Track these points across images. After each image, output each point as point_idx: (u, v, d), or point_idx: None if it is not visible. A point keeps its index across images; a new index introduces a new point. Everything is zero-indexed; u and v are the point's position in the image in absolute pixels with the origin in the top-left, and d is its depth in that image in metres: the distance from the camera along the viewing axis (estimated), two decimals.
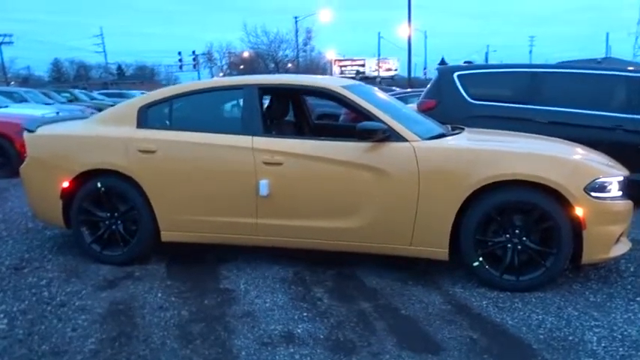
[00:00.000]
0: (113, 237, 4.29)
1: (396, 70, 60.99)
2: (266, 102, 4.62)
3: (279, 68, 52.30)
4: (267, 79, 4.39)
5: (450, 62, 25.80)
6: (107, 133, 4.25)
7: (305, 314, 3.38)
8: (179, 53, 72.80)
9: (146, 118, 4.24)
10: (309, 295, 3.70)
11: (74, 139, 4.33)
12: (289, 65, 55.21)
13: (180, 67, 75.12)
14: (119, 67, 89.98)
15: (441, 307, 3.48)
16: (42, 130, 4.49)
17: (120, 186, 4.20)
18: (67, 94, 23.03)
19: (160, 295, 3.71)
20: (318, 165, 3.86)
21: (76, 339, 3.09)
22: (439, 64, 25.91)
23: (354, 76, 45.42)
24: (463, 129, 4.33)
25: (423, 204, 3.71)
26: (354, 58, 63.61)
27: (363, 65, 62.44)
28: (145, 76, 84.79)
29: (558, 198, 3.56)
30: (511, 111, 6.36)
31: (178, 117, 4.29)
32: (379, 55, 59.14)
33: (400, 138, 3.79)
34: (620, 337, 3.06)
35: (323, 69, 61.19)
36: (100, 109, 19.92)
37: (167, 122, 4.28)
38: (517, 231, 3.66)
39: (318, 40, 71.00)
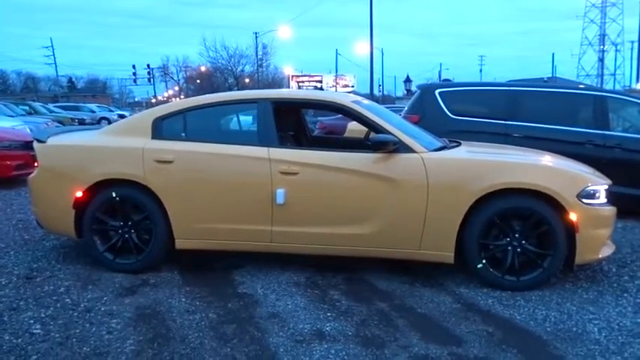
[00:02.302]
0: (126, 245, 4.38)
1: (352, 86, 62.07)
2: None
3: (239, 83, 52.33)
4: (281, 94, 4.62)
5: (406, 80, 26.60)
6: (122, 144, 4.36)
7: (329, 314, 3.59)
8: (133, 66, 71.74)
9: (161, 129, 4.38)
10: (326, 297, 3.91)
11: (88, 149, 4.42)
12: (247, 80, 55.35)
13: (135, 80, 74.06)
14: (70, 80, 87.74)
15: (452, 306, 3.76)
16: (53, 141, 4.55)
17: (135, 195, 4.30)
18: (26, 107, 22.41)
19: (183, 300, 3.83)
20: (332, 174, 4.09)
21: (114, 341, 3.19)
22: (404, 81, 26.64)
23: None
24: (460, 142, 4.66)
25: (431, 211, 3.99)
26: (312, 74, 64.33)
27: (320, 81, 63.22)
28: (97, 89, 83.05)
29: (553, 204, 3.92)
30: (489, 126, 6.79)
31: (194, 129, 4.44)
32: (337, 71, 60.08)
33: (409, 149, 4.08)
34: (617, 327, 3.40)
35: (280, 84, 61.58)
36: (61, 122, 19.56)
37: (183, 134, 4.43)
38: (516, 235, 3.99)
39: (277, 56, 71.47)
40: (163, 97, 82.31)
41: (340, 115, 12.31)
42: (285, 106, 4.74)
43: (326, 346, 3.14)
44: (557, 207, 3.92)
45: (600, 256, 4.06)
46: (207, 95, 4.55)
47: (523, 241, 3.99)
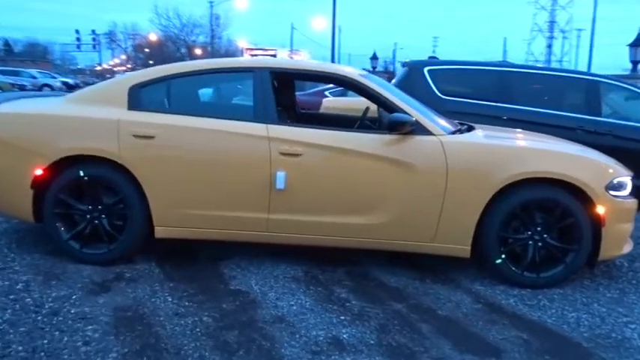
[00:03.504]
0: (95, 233, 3.77)
1: None
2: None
3: (191, 54, 50.44)
4: (280, 63, 4.05)
5: (361, 58, 26.03)
6: (92, 114, 3.71)
7: (342, 317, 3.14)
8: (77, 32, 68.31)
9: (140, 98, 3.76)
10: (333, 295, 3.46)
11: (51, 119, 3.75)
12: (198, 51, 53.39)
13: (78, 46, 70.47)
14: (6, 43, 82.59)
15: (473, 307, 3.39)
16: (5, 109, 3.84)
17: (107, 175, 3.69)
18: None
19: (169, 299, 3.29)
20: (339, 157, 3.61)
21: (93, 355, 2.63)
22: (371, 58, 26.07)
23: None
24: (472, 126, 4.25)
25: (449, 199, 3.59)
26: (266, 48, 62.82)
27: (274, 56, 61.17)
28: (37, 55, 78.48)
29: (579, 196, 3.59)
30: (480, 108, 6.44)
31: (179, 99, 3.85)
32: (292, 46, 58.95)
33: (426, 131, 3.65)
34: None
35: (232, 57, 59.92)
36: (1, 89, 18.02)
37: (165, 105, 3.82)
38: (538, 228, 3.65)
39: (232, 27, 69.50)
40: (109, 65, 78.83)
41: (315, 91, 11.85)
42: (283, 78, 4.18)
43: (348, 358, 2.70)
44: (583, 199, 3.60)
45: (623, 251, 3.79)
46: (196, 61, 3.96)
47: (545, 235, 3.66)
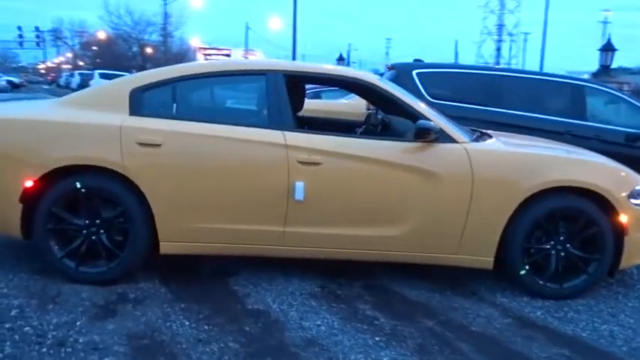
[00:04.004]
0: (93, 250, 3.44)
1: None
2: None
3: (142, 53, 48.99)
4: (296, 66, 3.79)
5: (315, 58, 25.83)
6: (90, 120, 3.38)
7: (377, 338, 2.95)
8: (19, 28, 65.23)
9: (142, 103, 3.45)
10: (358, 313, 3.27)
11: (43, 125, 3.39)
12: (149, 50, 51.92)
13: (21, 43, 67.30)
14: None
15: (503, 321, 3.27)
16: None
17: (107, 186, 3.37)
18: None
19: (185, 322, 3.01)
20: (361, 166, 3.42)
21: None
22: (337, 59, 25.88)
23: None
24: (489, 134, 4.12)
25: (474, 209, 3.46)
26: (220, 48, 62.02)
27: (228, 55, 60.88)
28: None
29: (602, 204, 3.54)
30: (471, 112, 6.39)
31: (186, 104, 3.57)
32: (247, 46, 58.35)
33: (450, 139, 3.51)
34: None
35: (185, 56, 58.76)
36: None
37: (172, 110, 3.52)
38: (561, 238, 3.58)
39: (186, 26, 68.12)
40: (53, 64, 75.75)
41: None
42: (296, 81, 3.95)
43: None
44: (606, 207, 3.54)
45: None
46: (203, 63, 3.68)
47: (567, 245, 3.58)
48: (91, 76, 29.83)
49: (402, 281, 3.79)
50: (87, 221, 3.42)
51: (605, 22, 50.85)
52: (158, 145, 3.33)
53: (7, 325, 2.87)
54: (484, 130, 4.19)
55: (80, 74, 35.02)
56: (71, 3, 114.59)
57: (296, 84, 3.95)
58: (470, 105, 6.44)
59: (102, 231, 3.43)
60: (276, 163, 3.37)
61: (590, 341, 3.06)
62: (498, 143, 3.76)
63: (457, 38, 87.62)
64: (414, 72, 6.62)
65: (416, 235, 3.48)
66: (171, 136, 3.35)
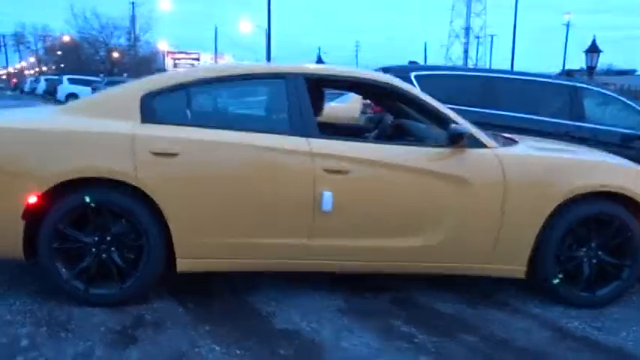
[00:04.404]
0: (103, 269, 3.17)
1: None
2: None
3: (109, 57, 47.88)
4: (316, 69, 3.58)
5: (286, 60, 25.52)
6: (99, 129, 3.12)
7: (422, 358, 2.77)
8: None
9: (155, 109, 3.20)
10: (394, 329, 3.08)
11: (47, 135, 3.11)
12: (115, 55, 50.79)
13: None
14: None
15: (544, 334, 3.13)
16: None
17: (119, 200, 3.11)
18: None
19: (215, 347, 2.78)
20: (391, 173, 3.24)
21: None
22: (317, 61, 25.72)
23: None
24: (513, 138, 3.98)
25: (507, 217, 3.32)
26: (189, 52, 61.20)
27: (197, 59, 60.37)
28: None
29: (632, 209, 3.45)
30: (469, 115, 6.29)
31: (202, 110, 3.34)
32: (216, 49, 57.70)
33: (480, 144, 3.36)
34: None
35: (153, 61, 57.79)
36: None
37: (187, 116, 3.28)
38: (593, 244, 3.47)
39: (154, 30, 66.93)
40: (15, 69, 73.60)
41: None
42: (317, 85, 3.74)
43: None
44: (637, 212, 3.45)
45: None
46: (219, 65, 3.47)
47: (599, 251, 3.48)
48: (58, 82, 28.92)
49: (428, 292, 3.63)
50: (96, 238, 3.15)
51: (567, 25, 51.99)
52: (174, 155, 3.09)
53: (19, 359, 2.58)
54: (507, 135, 4.06)
55: (46, 79, 33.99)
56: (34, 8, 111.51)
57: (316, 88, 3.74)
58: (469, 107, 6.35)
59: (113, 248, 3.17)
60: (302, 172, 3.17)
61: (638, 352, 2.95)
62: (527, 148, 3.64)
63: (426, 40, 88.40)
64: (413, 74, 6.49)
65: (447, 245, 3.33)
66: (189, 145, 3.11)
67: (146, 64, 52.65)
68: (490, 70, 7.27)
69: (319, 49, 71.79)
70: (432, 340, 2.98)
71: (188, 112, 3.29)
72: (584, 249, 3.47)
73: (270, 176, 3.17)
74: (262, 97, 3.71)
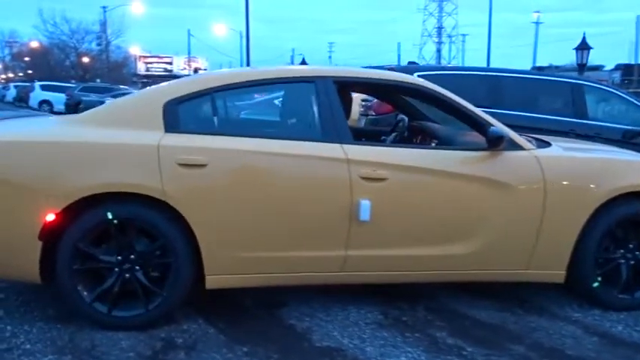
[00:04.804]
0: (128, 290, 2.96)
1: (205, 69, 59.59)
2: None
3: (80, 62, 46.87)
4: (345, 72, 3.41)
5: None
6: (121, 140, 2.91)
7: None
8: None
9: (179, 117, 3.01)
10: (439, 342, 2.95)
11: (65, 148, 2.88)
12: (85, 60, 49.75)
13: None
14: None
15: (591, 340, 3.03)
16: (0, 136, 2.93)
17: (144, 215, 2.90)
18: None
19: None
20: (430, 179, 3.11)
21: None
22: (300, 63, 25.45)
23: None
24: (544, 139, 3.88)
25: (547, 221, 3.21)
26: (161, 56, 60.46)
27: (170, 63, 59.71)
28: None
29: None
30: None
31: (228, 117, 3.15)
32: (189, 53, 57.07)
33: (517, 146, 3.25)
34: None
35: (124, 65, 56.90)
36: None
37: (214, 124, 3.09)
38: (631, 245, 3.40)
39: (126, 34, 65.87)
40: None
41: None
42: (347, 88, 3.58)
43: None
44: None
45: None
46: (244, 70, 3.26)
47: (637, 252, 3.40)
48: (30, 88, 28.12)
49: (463, 301, 3.51)
50: (119, 257, 2.94)
51: (537, 23, 52.84)
52: (203, 166, 2.90)
53: None
54: (536, 136, 3.96)
55: (16, 86, 33.04)
56: (0, 13, 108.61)
57: (345, 91, 3.59)
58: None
59: (137, 267, 2.96)
60: (338, 181, 3.01)
61: None
62: (563, 149, 3.54)
63: (399, 41, 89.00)
64: (416, 75, 6.38)
65: (488, 251, 3.21)
66: (218, 155, 2.92)
67: (118, 69, 51.76)
68: (494, 70, 7.21)
69: (293, 50, 71.63)
70: (481, 352, 2.85)
71: (214, 119, 3.09)
72: (622, 250, 3.39)
73: (304, 186, 3.01)
74: (291, 102, 3.53)
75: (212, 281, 3.03)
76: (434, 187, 3.11)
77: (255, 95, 5.24)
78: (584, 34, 13.40)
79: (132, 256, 2.95)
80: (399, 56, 66.05)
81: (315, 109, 3.14)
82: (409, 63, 7.76)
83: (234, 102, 3.23)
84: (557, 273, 3.32)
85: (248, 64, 24.40)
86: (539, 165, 3.20)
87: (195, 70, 49.60)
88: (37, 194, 2.82)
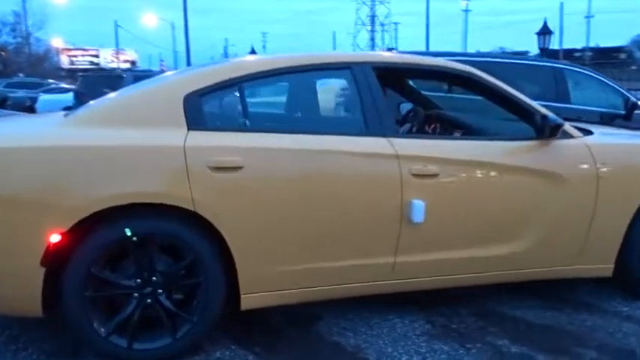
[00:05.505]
0: (150, 316, 2.51)
1: (134, 61, 57.22)
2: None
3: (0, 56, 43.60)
4: (386, 57, 3.01)
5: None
6: (138, 141, 2.43)
7: None
8: None
9: (203, 112, 2.56)
10: (505, 352, 2.69)
11: (70, 154, 2.38)
12: (2, 53, 46.36)
13: None
14: None
15: None
16: None
17: (170, 230, 2.46)
18: None
19: None
20: (483, 173, 2.83)
21: None
22: (250, 53, 24.59)
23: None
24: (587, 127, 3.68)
25: (598, 212, 3.02)
26: (86, 48, 57.48)
27: (96, 56, 56.88)
28: None
29: None
30: (463, 102, 6.04)
31: (260, 110, 2.72)
32: (117, 44, 54.53)
33: (566, 134, 3.03)
34: None
35: (46, 59, 53.64)
36: None
37: (244, 119, 2.66)
38: None
39: (49, 26, 61.99)
40: None
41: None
42: (387, 75, 3.21)
43: None
44: None
45: None
46: (272, 57, 2.83)
47: None
48: None
49: (502, 300, 3.28)
50: (139, 280, 2.48)
51: (466, 11, 54.23)
52: (238, 169, 2.48)
53: None
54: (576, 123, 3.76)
55: None
56: None
57: (385, 79, 3.22)
58: (458, 95, 6.09)
59: (160, 290, 2.51)
60: (388, 179, 2.67)
61: None
62: (609, 136, 3.36)
63: (333, 30, 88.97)
64: None
65: (537, 248, 2.98)
66: (254, 155, 2.51)
67: (40, 63, 48.65)
68: (472, 55, 7.07)
69: (226, 40, 70.07)
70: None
71: (243, 113, 2.67)
72: None
73: (352, 187, 2.65)
74: (328, 93, 3.13)
75: (248, 301, 2.62)
76: (487, 181, 2.84)
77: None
78: (544, 19, 13.74)
79: (153, 278, 2.49)
80: (334, 45, 66.14)
81: (356, 99, 2.77)
82: (387, 49, 7.49)
83: (264, 93, 2.80)
84: (606, 267, 3.15)
85: (188, 56, 23.38)
86: (590, 153, 3.00)
87: (133, 63, 47.50)
88: (37, 212, 2.31)
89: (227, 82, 2.62)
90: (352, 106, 2.78)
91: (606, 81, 6.80)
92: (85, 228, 2.35)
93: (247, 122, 2.66)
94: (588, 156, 2.99)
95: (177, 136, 2.47)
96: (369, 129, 2.73)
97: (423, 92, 4.15)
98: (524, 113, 3.03)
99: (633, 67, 45.09)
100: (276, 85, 2.90)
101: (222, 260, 2.53)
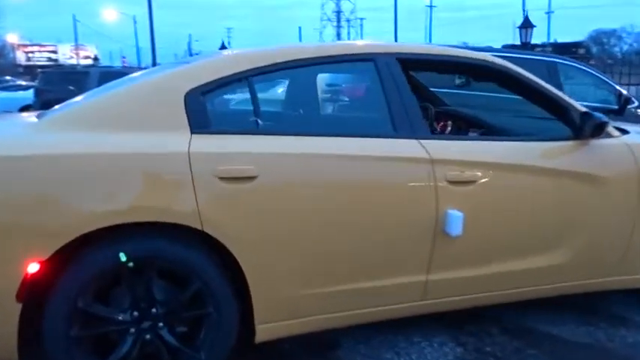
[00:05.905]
0: (148, 355, 2.12)
1: (95, 58, 55.58)
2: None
3: None
4: (411, 48, 2.64)
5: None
6: (130, 148, 2.03)
7: None
8: None
9: (206, 112, 2.17)
10: None
11: (48, 164, 1.95)
12: None
13: None
14: None
15: None
16: None
17: (173, 253, 2.06)
18: None
19: None
20: (524, 178, 2.52)
21: None
22: (220, 48, 23.86)
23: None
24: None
25: None
26: (43, 44, 55.52)
27: (55, 52, 55.01)
28: None
29: None
30: (447, 97, 5.77)
31: (271, 109, 2.33)
32: (76, 40, 52.80)
33: (605, 133, 2.75)
34: None
35: (0, 56, 51.63)
36: None
37: (254, 120, 2.27)
38: None
39: (4, 21, 59.52)
40: None
41: None
42: (411, 68, 2.85)
43: None
44: None
45: None
46: (282, 47, 2.44)
47: None
48: None
49: (529, 315, 2.99)
50: (136, 313, 2.08)
51: (430, 7, 54.48)
52: (252, 179, 2.10)
53: None
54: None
55: None
56: None
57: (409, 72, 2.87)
58: (445, 90, 5.81)
59: (161, 324, 2.12)
60: (421, 187, 2.34)
61: None
62: None
63: (299, 25, 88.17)
64: None
65: (579, 259, 2.70)
66: (270, 162, 2.14)
67: None
68: (481, 49, 6.78)
69: (190, 36, 68.82)
70: None
71: (254, 113, 2.28)
72: None
73: (382, 197, 2.30)
74: (347, 89, 2.76)
75: (264, 332, 2.25)
76: (526, 187, 2.53)
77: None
78: (526, 12, 13.66)
79: (153, 309, 2.10)
80: (300, 40, 65.58)
81: (380, 95, 2.42)
82: None
83: (276, 89, 2.42)
84: None
85: (153, 52, 22.57)
86: (632, 153, 2.73)
87: (96, 59, 45.92)
88: (12, 237, 1.88)
89: (235, 77, 2.23)
90: (378, 103, 2.42)
91: (599, 75, 6.65)
92: (69, 254, 1.94)
93: (258, 123, 2.27)
94: (630, 156, 2.72)
95: (179, 140, 2.08)
96: (395, 129, 2.38)
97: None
98: (561, 111, 2.73)
99: (592, 62, 46.22)
100: (291, 80, 2.52)
101: (232, 287, 2.15)
